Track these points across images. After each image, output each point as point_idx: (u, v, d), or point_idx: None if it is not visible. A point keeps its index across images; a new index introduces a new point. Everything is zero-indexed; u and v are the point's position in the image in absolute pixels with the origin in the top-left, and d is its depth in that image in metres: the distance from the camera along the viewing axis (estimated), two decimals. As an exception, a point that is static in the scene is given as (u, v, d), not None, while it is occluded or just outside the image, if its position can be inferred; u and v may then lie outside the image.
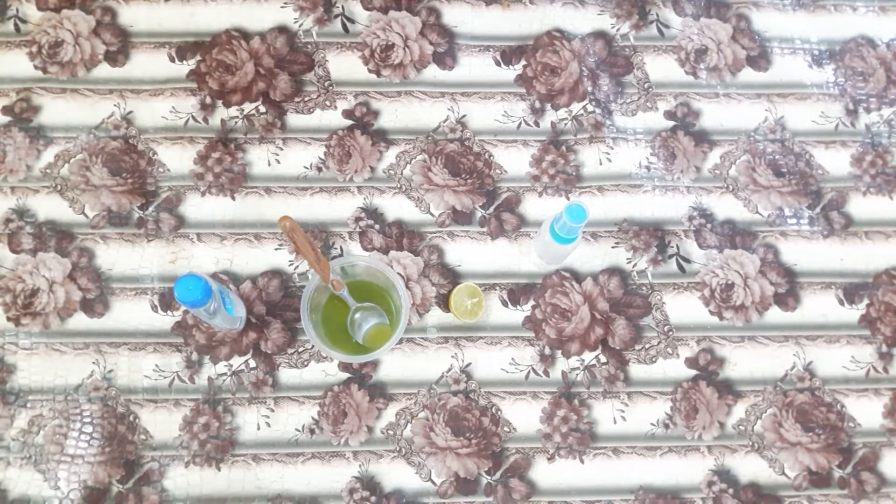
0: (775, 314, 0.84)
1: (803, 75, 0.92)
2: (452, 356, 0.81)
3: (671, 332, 0.83)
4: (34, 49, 0.87)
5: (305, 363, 0.80)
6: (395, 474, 0.78)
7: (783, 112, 0.90)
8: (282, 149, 0.85)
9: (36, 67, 0.86)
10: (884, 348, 0.84)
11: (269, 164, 0.84)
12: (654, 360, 0.82)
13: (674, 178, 0.87)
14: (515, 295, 0.83)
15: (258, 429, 0.78)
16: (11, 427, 0.77)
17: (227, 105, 0.86)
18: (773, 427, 0.81)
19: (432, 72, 0.89)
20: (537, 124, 0.88)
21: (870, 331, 0.84)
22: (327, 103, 0.87)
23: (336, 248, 0.83)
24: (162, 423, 0.77)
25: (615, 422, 0.80)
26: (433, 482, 0.78)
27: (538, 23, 0.92)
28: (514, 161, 0.87)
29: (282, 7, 0.90)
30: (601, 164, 0.87)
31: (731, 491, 0.79)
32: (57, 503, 0.75)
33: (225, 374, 0.79)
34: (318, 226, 0.83)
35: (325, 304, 0.78)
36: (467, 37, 0.91)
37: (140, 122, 0.85)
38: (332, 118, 0.87)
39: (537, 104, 0.89)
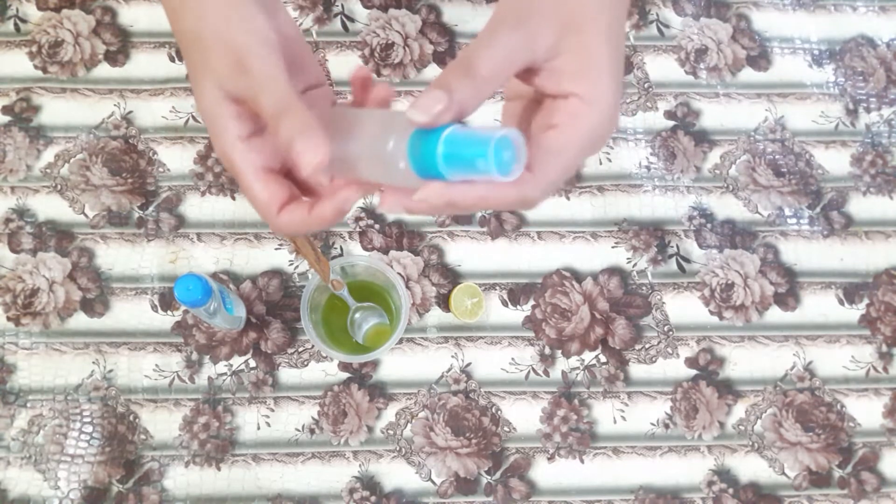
0: (775, 314, 0.84)
1: (803, 75, 0.92)
2: (452, 356, 0.81)
3: (671, 332, 0.83)
4: (34, 49, 0.87)
5: (305, 363, 0.80)
6: (395, 474, 0.77)
7: (783, 112, 0.90)
8: (282, 149, 0.85)
9: (36, 67, 0.86)
10: (884, 348, 0.84)
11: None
12: (654, 359, 0.82)
13: (674, 178, 0.87)
14: (515, 295, 0.83)
15: (258, 429, 0.78)
16: (11, 427, 0.77)
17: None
18: (773, 427, 0.81)
19: (432, 72, 0.89)
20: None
21: (870, 331, 0.84)
22: (327, 103, 0.87)
23: (336, 248, 0.83)
24: (162, 423, 0.77)
25: (615, 422, 0.80)
26: (433, 482, 0.78)
27: (538, 22, 0.92)
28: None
29: (282, 7, 0.90)
30: (601, 163, 0.87)
31: (730, 491, 0.79)
32: (57, 503, 0.75)
33: (225, 373, 0.79)
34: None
35: (325, 304, 0.78)
36: (468, 36, 0.91)
37: (140, 122, 0.85)
38: (332, 118, 0.86)
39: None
